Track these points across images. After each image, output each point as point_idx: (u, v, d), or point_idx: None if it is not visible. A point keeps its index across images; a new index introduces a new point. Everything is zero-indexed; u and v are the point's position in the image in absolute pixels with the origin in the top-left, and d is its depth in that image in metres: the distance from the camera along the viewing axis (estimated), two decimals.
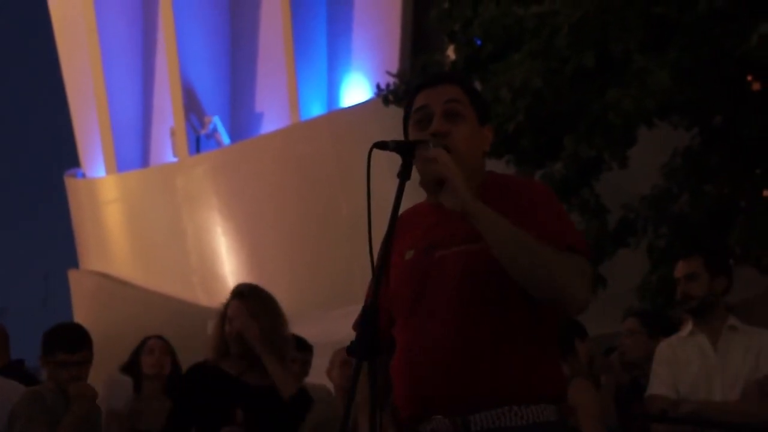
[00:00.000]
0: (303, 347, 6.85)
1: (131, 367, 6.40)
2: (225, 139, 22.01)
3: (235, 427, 4.88)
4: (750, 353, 5.04)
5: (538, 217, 3.01)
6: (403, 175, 2.93)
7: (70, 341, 5.29)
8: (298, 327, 6.16)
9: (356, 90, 20.27)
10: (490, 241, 2.94)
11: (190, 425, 5.04)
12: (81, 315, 22.68)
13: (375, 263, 2.88)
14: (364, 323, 2.76)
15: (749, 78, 9.49)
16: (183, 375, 5.36)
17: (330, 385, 6.75)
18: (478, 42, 10.32)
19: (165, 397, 6.13)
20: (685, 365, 5.10)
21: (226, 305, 5.20)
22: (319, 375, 6.74)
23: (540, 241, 2.93)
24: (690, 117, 9.82)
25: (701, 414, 4.87)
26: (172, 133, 22.53)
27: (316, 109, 20.83)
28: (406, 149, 2.96)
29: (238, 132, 22.09)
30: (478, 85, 9.89)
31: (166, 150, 22.93)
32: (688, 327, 5.21)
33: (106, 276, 23.04)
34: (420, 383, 3.03)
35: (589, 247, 3.10)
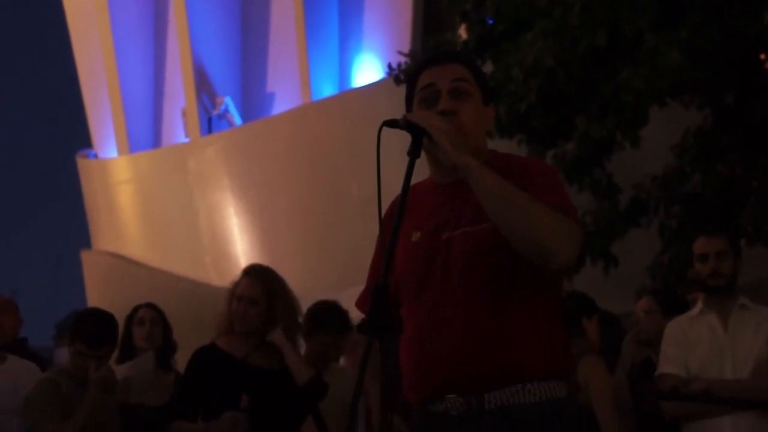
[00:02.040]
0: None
1: (124, 339, 6.03)
2: (237, 119, 22.00)
3: (237, 412, 4.90)
4: (760, 332, 5.04)
5: (532, 188, 3.01)
6: (413, 153, 2.93)
7: (93, 336, 5.22)
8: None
9: (368, 70, 20.23)
10: (479, 193, 2.95)
11: (197, 408, 5.05)
12: (93, 295, 22.76)
13: (383, 242, 2.89)
14: (375, 301, 2.75)
15: (762, 57, 9.46)
16: (190, 358, 5.36)
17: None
18: (490, 21, 10.29)
19: (157, 368, 5.97)
20: (695, 344, 5.10)
21: (236, 284, 5.21)
22: None
23: (527, 194, 2.93)
24: (702, 96, 9.79)
25: (712, 392, 4.88)
26: (184, 114, 22.52)
27: (327, 89, 20.80)
28: (416, 127, 2.96)
29: (249, 112, 22.07)
30: (489, 65, 9.88)
31: (177, 130, 22.93)
32: (698, 306, 5.21)
33: (118, 256, 23.08)
34: (432, 365, 3.05)
35: (575, 212, 3.09)
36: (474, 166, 2.96)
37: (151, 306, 6.25)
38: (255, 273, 5.21)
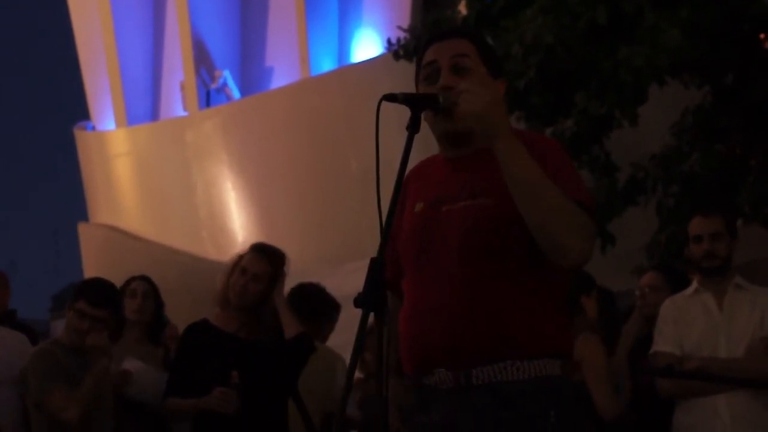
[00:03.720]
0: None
1: None
2: (235, 93, 21.97)
3: (227, 388, 4.91)
4: (755, 311, 5.04)
5: (549, 169, 2.96)
6: (412, 128, 2.92)
7: (96, 295, 5.24)
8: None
9: (367, 45, 20.20)
10: (510, 175, 2.90)
11: (190, 384, 5.06)
12: (90, 268, 22.76)
13: (382, 216, 2.88)
14: (370, 275, 2.74)
15: (761, 37, 9.44)
16: (181, 335, 5.37)
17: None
18: None
19: (147, 342, 5.90)
20: (690, 323, 5.11)
21: (241, 257, 5.21)
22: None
23: (556, 187, 2.90)
24: (701, 75, 9.78)
25: (706, 370, 4.89)
26: (182, 87, 22.48)
27: (326, 64, 20.77)
28: (415, 102, 2.95)
29: (248, 86, 22.04)
30: (489, 41, 9.83)
31: (176, 104, 22.89)
32: (693, 285, 5.21)
33: (115, 229, 23.08)
34: (423, 337, 3.05)
35: (595, 206, 3.07)
36: (515, 147, 2.91)
37: (144, 279, 6.13)
38: (265, 251, 5.21)
